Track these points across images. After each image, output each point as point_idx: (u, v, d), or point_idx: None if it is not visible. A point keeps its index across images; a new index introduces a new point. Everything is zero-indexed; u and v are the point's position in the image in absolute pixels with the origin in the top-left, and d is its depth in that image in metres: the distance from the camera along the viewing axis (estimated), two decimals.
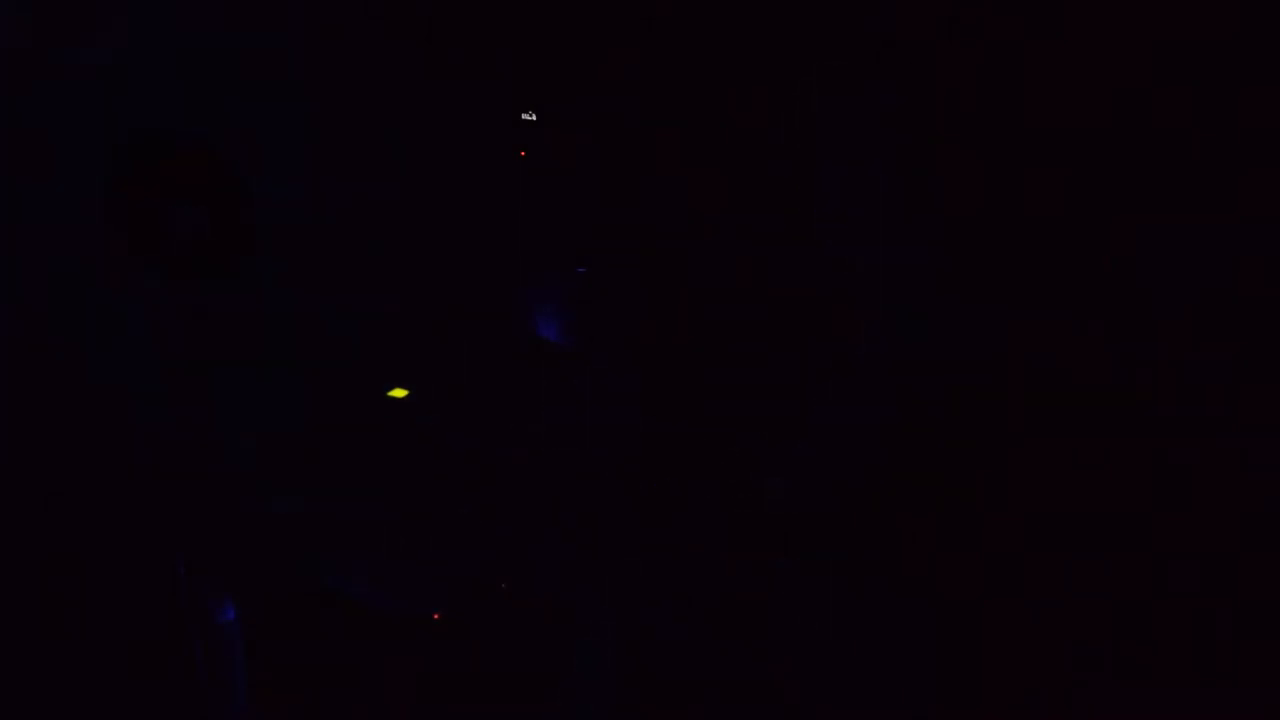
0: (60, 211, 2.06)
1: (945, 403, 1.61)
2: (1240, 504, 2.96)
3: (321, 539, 1.42)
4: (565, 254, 3.61)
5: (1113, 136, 3.16)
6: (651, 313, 3.68)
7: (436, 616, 1.44)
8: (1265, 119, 3.00)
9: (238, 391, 1.87)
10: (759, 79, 3.57)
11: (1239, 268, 3.10)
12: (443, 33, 2.93)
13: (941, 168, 1.87)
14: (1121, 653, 2.64)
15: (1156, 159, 3.11)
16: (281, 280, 2.21)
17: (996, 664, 1.74)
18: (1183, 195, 3.09)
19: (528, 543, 1.56)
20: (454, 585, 1.46)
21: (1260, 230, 3.07)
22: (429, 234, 2.86)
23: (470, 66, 3.04)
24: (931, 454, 1.56)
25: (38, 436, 1.65)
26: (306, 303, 2.21)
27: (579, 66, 3.53)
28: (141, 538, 1.66)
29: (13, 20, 2.25)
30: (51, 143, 2.17)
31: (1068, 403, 1.78)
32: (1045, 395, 1.75)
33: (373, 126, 2.63)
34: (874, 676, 1.60)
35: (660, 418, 1.95)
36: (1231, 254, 3.09)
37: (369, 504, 1.49)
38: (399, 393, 2.03)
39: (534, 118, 3.41)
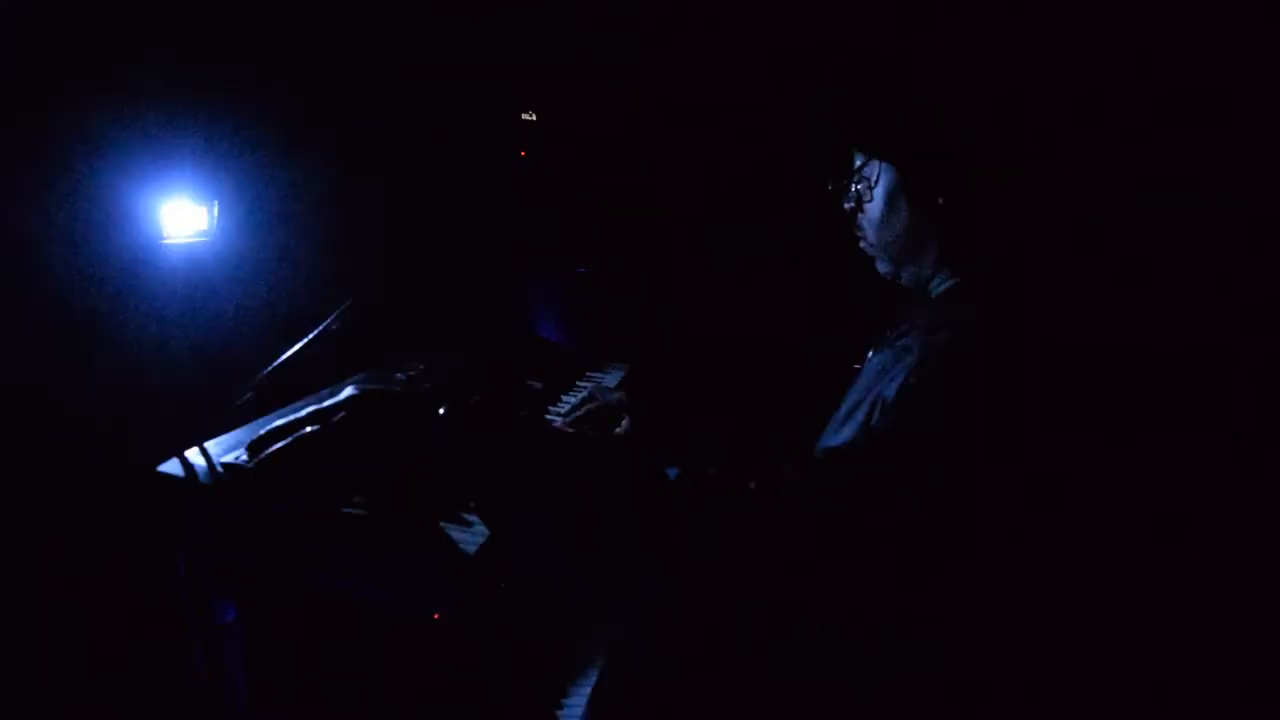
0: None
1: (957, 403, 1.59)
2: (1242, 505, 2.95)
3: (322, 539, 1.41)
4: (565, 254, 3.61)
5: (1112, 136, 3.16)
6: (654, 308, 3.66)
7: (436, 617, 1.42)
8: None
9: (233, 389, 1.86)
10: (765, 74, 3.57)
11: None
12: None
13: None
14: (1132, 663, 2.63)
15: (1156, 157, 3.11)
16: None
17: (1003, 669, 1.73)
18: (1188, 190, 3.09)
19: (528, 542, 1.55)
20: (454, 585, 1.45)
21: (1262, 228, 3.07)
22: (432, 232, 2.86)
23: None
24: (941, 455, 1.54)
25: (35, 434, 1.65)
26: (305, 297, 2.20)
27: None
28: (141, 538, 1.65)
29: None
30: None
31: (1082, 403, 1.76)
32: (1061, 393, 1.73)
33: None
34: (882, 676, 1.58)
35: (663, 412, 1.94)
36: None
37: (369, 503, 1.48)
38: None
39: (534, 118, 3.40)
